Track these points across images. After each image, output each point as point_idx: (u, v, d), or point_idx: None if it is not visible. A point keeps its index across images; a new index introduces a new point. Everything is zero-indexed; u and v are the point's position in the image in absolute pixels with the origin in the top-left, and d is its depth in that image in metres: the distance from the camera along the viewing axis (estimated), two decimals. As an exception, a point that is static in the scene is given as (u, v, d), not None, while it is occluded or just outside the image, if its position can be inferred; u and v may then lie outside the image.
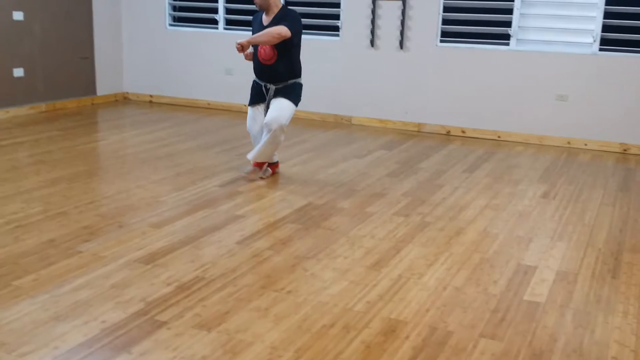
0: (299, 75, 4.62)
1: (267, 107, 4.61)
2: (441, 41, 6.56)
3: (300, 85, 4.65)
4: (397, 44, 6.68)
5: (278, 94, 4.55)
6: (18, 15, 6.57)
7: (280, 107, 4.51)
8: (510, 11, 6.23)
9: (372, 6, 6.68)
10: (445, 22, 6.53)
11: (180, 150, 5.51)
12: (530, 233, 3.83)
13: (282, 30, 4.31)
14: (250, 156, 4.68)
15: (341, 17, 6.88)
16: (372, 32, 6.73)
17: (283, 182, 4.68)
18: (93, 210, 3.91)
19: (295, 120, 7.04)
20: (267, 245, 3.46)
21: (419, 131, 6.74)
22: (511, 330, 2.67)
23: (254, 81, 4.69)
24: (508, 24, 6.27)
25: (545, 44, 6.22)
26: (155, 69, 7.85)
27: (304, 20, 7.03)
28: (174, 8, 7.71)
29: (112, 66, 7.84)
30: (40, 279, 2.94)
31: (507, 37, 6.31)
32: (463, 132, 6.60)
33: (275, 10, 4.50)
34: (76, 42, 7.30)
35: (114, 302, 2.76)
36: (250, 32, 4.67)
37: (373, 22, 6.71)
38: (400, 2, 6.55)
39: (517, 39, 6.27)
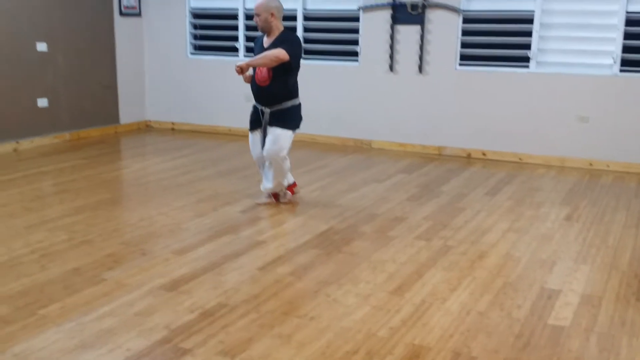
0: (295, 96, 4.61)
1: (264, 132, 4.61)
2: (460, 64, 6.58)
3: (296, 107, 4.63)
4: (416, 68, 6.71)
5: (273, 119, 4.54)
6: (42, 47, 6.73)
7: (276, 139, 4.52)
8: (529, 34, 6.24)
9: (390, 31, 6.73)
10: (464, 45, 6.56)
11: (201, 177, 5.56)
12: (554, 256, 3.80)
13: (280, 54, 4.34)
14: (264, 188, 4.73)
15: (360, 42, 6.94)
16: (391, 56, 6.78)
17: (303, 207, 4.70)
18: (117, 238, 3.96)
19: (314, 144, 7.09)
20: (289, 271, 3.47)
21: (439, 154, 6.74)
22: (535, 355, 2.64)
23: (253, 106, 4.71)
24: (527, 46, 6.28)
25: (566, 65, 6.20)
26: (176, 97, 7.97)
27: (323, 46, 7.15)
28: (195, 37, 7.84)
29: (135, 95, 7.97)
30: (66, 307, 2.98)
31: (526, 59, 6.31)
32: (484, 154, 6.58)
33: (276, 32, 4.53)
34: (99, 72, 7.45)
35: (138, 330, 2.78)
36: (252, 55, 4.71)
37: (392, 47, 6.76)
38: (419, 27, 6.60)
39: (537, 62, 6.27)
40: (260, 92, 4.54)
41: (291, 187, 4.85)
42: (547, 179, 5.77)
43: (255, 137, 4.71)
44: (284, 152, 4.55)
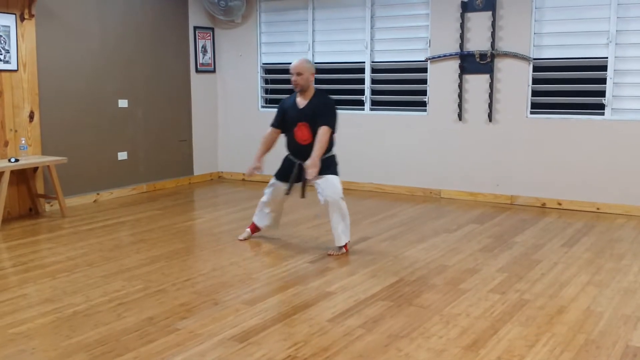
0: (331, 148, 4.75)
1: (297, 182, 4.78)
2: (531, 112, 6.47)
3: (333, 158, 4.77)
4: (486, 116, 6.65)
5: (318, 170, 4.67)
6: (123, 103, 7.08)
7: (329, 183, 4.66)
8: (603, 81, 6.09)
9: (458, 81, 6.72)
10: (535, 93, 6.46)
11: (271, 227, 5.62)
12: (638, 311, 3.59)
13: (328, 134, 4.61)
14: (337, 243, 4.75)
15: (428, 92, 6.96)
16: (460, 105, 6.75)
17: (373, 258, 4.66)
18: (190, 287, 4.03)
19: (383, 194, 7.07)
20: (359, 324, 3.42)
21: (511, 204, 6.58)
22: (624, 420, 2.48)
23: (286, 158, 4.89)
24: (601, 93, 6.12)
25: (643, 111, 6.01)
26: (247, 149, 8.14)
27: (391, 97, 7.20)
28: (266, 91, 8.07)
29: (208, 147, 8.23)
30: (140, 357, 3.03)
31: (601, 106, 6.14)
32: (559, 204, 6.38)
33: (310, 92, 4.73)
34: (176, 126, 7.75)
35: (209, 381, 2.79)
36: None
37: (460, 96, 6.74)
38: (488, 76, 6.56)
39: (612, 109, 6.09)
40: (301, 150, 4.73)
41: (346, 244, 4.82)
42: (627, 229, 5.52)
43: (278, 183, 4.88)
44: (341, 193, 4.68)
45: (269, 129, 4.97)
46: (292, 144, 4.80)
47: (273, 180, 4.95)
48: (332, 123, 4.65)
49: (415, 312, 3.60)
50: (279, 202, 5.00)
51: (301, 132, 4.70)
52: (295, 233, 5.43)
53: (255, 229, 5.17)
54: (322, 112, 4.65)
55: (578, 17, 6.17)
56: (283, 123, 4.87)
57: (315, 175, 4.57)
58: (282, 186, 4.89)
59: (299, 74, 4.66)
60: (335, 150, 4.82)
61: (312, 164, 4.54)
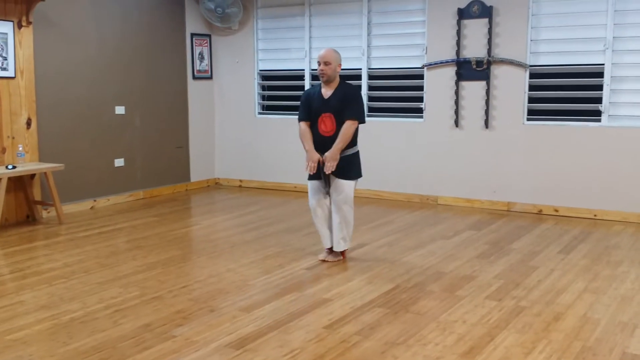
0: (354, 144, 4.66)
1: (324, 177, 4.65)
2: (528, 119, 6.49)
3: (355, 155, 4.68)
4: (482, 123, 6.66)
5: (336, 168, 4.54)
6: (120, 110, 7.08)
7: (340, 188, 4.59)
8: (599, 87, 6.11)
9: (455, 87, 6.74)
10: (531, 100, 6.48)
11: (268, 233, 5.62)
12: (635, 319, 3.59)
13: (354, 127, 4.55)
14: (335, 248, 4.73)
15: (424, 99, 6.97)
16: (456, 112, 6.77)
17: (369, 265, 4.66)
18: (186, 294, 4.02)
19: (379, 201, 7.07)
20: (355, 330, 3.42)
21: (508, 210, 6.59)
22: None
23: None
24: (598, 100, 6.14)
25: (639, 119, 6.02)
26: (244, 155, 8.17)
27: (388, 104, 7.21)
28: (263, 97, 8.08)
29: (205, 154, 8.23)
30: (136, 364, 3.03)
31: (597, 113, 6.16)
32: (556, 211, 6.39)
33: (335, 83, 4.63)
34: (173, 133, 7.75)
35: (205, 388, 2.78)
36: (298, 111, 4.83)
37: (457, 102, 6.75)
38: (484, 82, 6.58)
39: (609, 115, 6.11)
40: (324, 141, 4.61)
41: (344, 251, 4.80)
42: (624, 236, 5.52)
43: (314, 184, 4.72)
44: (350, 201, 4.63)
45: (301, 124, 4.71)
46: (315, 136, 4.66)
47: (309, 184, 4.77)
48: (358, 115, 4.57)
49: (411, 319, 3.60)
50: (324, 202, 4.74)
51: (324, 123, 4.59)
52: (292, 239, 5.43)
53: (329, 250, 4.87)
54: (348, 103, 4.56)
55: (575, 24, 6.19)
56: (309, 114, 4.69)
57: (334, 170, 4.50)
58: (316, 184, 4.71)
59: (326, 63, 4.55)
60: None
61: (330, 157, 4.50)
